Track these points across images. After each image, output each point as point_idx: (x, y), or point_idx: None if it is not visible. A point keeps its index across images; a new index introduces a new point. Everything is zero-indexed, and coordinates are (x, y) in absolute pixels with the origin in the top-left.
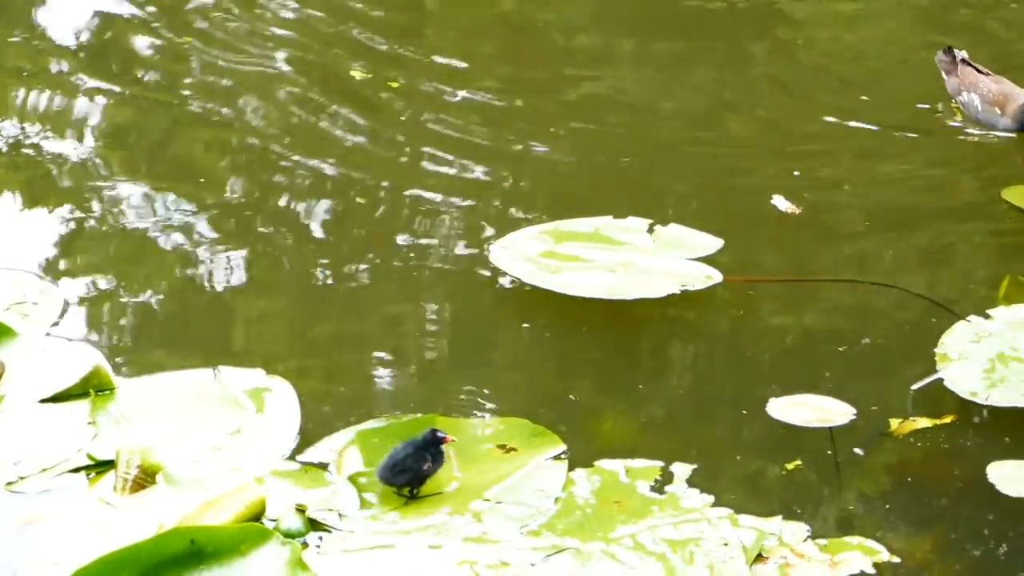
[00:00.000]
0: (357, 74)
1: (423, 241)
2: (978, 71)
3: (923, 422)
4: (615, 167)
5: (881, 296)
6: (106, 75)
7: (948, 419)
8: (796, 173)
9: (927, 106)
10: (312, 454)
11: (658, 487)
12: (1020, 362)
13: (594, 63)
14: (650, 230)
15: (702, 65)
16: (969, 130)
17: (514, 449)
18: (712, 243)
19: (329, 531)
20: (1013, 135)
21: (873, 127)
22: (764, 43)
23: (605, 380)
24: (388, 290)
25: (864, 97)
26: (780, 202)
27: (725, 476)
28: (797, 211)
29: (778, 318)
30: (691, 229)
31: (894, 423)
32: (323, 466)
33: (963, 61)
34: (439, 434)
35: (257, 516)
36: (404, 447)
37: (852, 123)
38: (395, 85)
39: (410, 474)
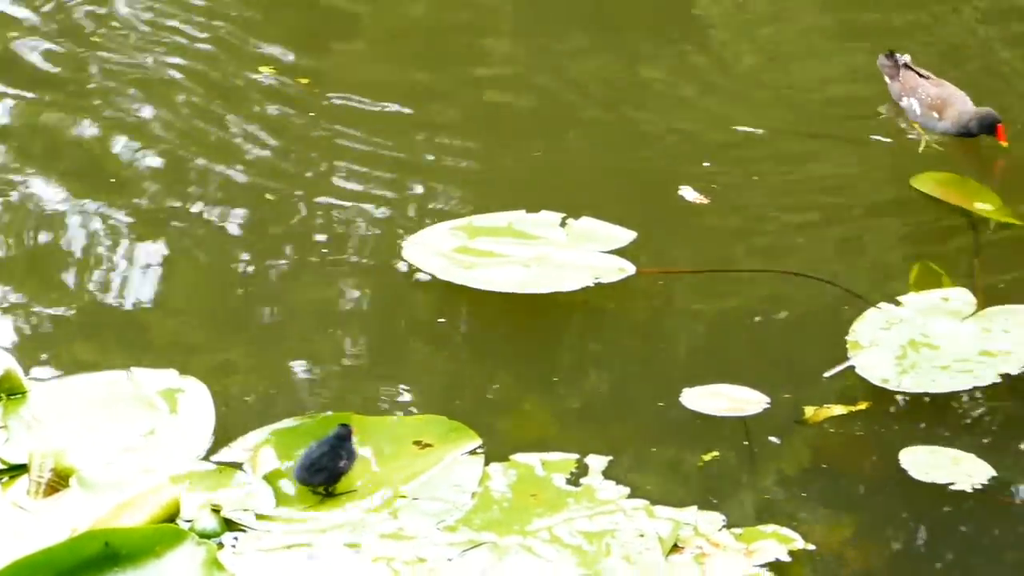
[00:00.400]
0: (265, 79)
1: (336, 240)
2: (919, 75)
3: (838, 409)
4: (527, 162)
5: (793, 285)
6: (7, 80)
7: (863, 406)
8: (706, 164)
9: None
10: (227, 454)
11: (574, 479)
12: (931, 348)
13: (504, 62)
14: (563, 224)
15: (614, 62)
16: (911, 136)
17: (430, 445)
18: (625, 235)
19: (245, 531)
20: (947, 138)
21: (786, 122)
22: (681, 41)
23: (521, 374)
24: (303, 289)
25: (780, 93)
26: (688, 193)
27: (640, 467)
28: (705, 201)
29: (692, 309)
30: (604, 222)
31: (809, 411)
32: (238, 466)
33: (905, 65)
34: (347, 428)
35: (172, 517)
36: (319, 446)
37: (766, 119)
38: (305, 81)
39: (326, 473)
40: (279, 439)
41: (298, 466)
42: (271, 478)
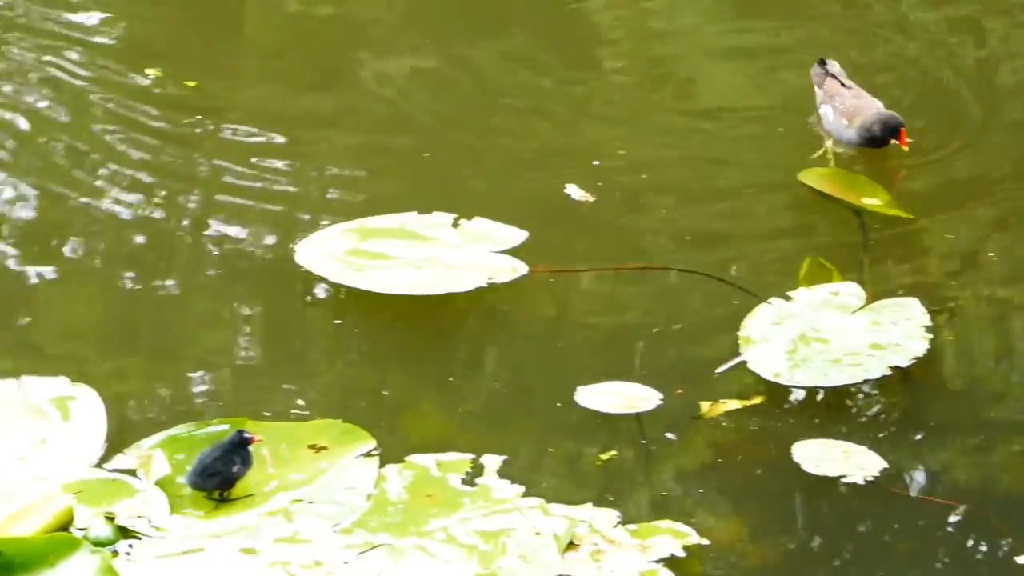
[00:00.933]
0: (150, 80)
1: (229, 245)
2: (842, 84)
3: (733, 404)
4: (416, 164)
5: (685, 282)
6: None
7: (757, 400)
8: (596, 163)
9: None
10: (120, 461)
11: (469, 479)
12: (821, 342)
13: (393, 58)
14: (455, 225)
15: (502, 64)
16: (827, 144)
17: (325, 448)
18: (516, 235)
19: (139, 538)
20: (855, 150)
21: (677, 121)
22: (568, 42)
23: (416, 376)
24: (195, 297)
25: (668, 94)
26: (574, 191)
27: (536, 466)
28: (591, 199)
29: (585, 308)
30: (495, 222)
31: (704, 406)
32: (131, 472)
33: (830, 74)
34: (246, 435)
35: (65, 526)
36: (212, 451)
37: (653, 118)
38: (191, 84)
39: (219, 477)
40: (172, 446)
41: (191, 471)
42: (165, 485)
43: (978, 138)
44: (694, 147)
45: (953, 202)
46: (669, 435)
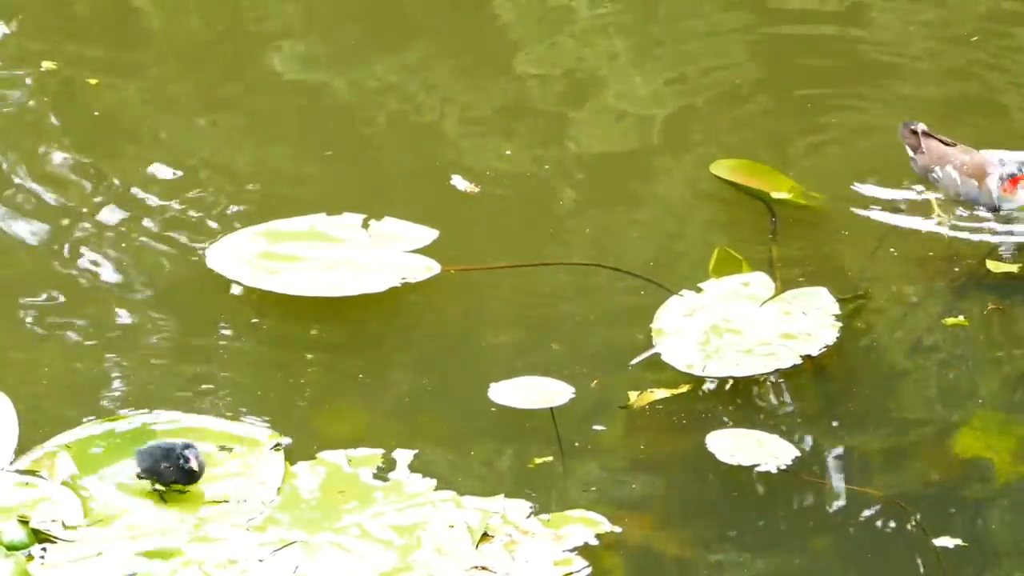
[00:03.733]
0: (49, 72)
1: (137, 250)
2: (943, 142)
3: (661, 392)
4: (319, 164)
5: (596, 276)
6: None
7: (684, 388)
8: (508, 152)
9: None
10: (31, 463)
11: (381, 474)
12: (733, 332)
13: (301, 64)
14: (365, 225)
15: (398, 62)
16: (960, 211)
17: (231, 449)
18: (427, 234)
19: (53, 541)
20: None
21: (583, 110)
22: (473, 39)
23: (330, 374)
24: (106, 300)
25: (569, 88)
26: (459, 182)
27: (449, 460)
28: (476, 190)
29: (498, 304)
30: (405, 222)
31: (632, 395)
32: (39, 475)
33: (925, 134)
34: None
35: None
36: (179, 445)
37: (558, 109)
38: (94, 82)
39: (182, 472)
40: (81, 446)
41: (156, 456)
42: (75, 487)
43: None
44: (600, 136)
45: (856, 193)
46: (580, 428)
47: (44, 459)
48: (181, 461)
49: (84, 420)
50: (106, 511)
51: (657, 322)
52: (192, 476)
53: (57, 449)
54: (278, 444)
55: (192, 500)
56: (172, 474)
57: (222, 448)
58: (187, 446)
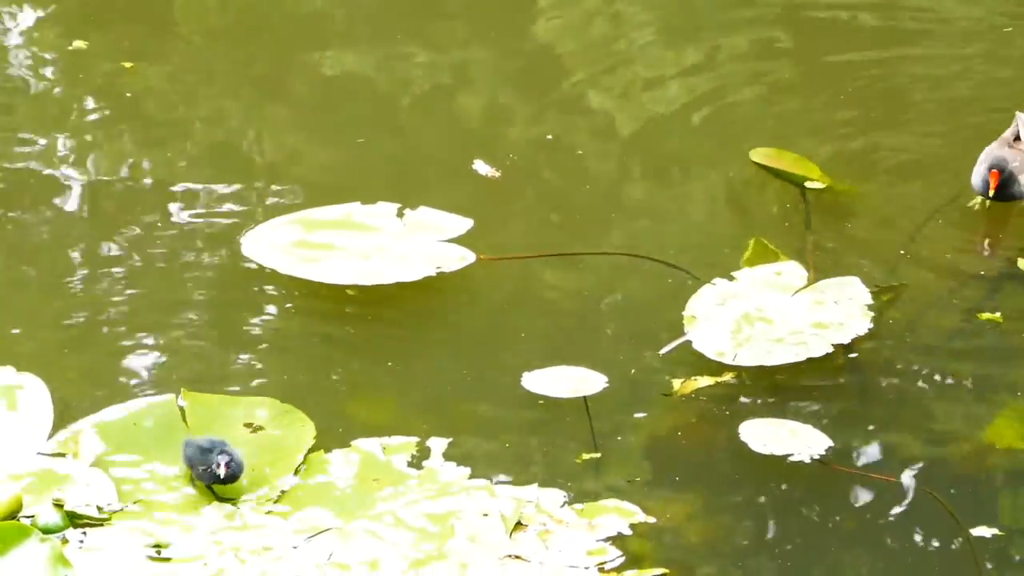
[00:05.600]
0: (82, 55)
1: (174, 237)
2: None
3: (704, 380)
4: (353, 152)
5: (630, 265)
6: None
7: (728, 376)
8: (544, 139)
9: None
10: (65, 447)
11: (415, 463)
12: (765, 322)
13: (335, 51)
14: (399, 214)
15: (434, 52)
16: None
17: (261, 428)
18: (462, 224)
19: (91, 525)
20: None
21: (614, 103)
22: (507, 31)
23: (364, 362)
24: (142, 286)
25: (602, 77)
26: (480, 167)
27: (483, 449)
28: (497, 174)
29: (532, 293)
30: (440, 211)
31: (676, 383)
32: (62, 456)
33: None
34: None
35: (13, 514)
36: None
37: (590, 102)
38: (129, 65)
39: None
40: (111, 427)
41: (200, 454)
42: (106, 469)
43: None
44: (636, 126)
45: (897, 180)
46: (613, 417)
47: (70, 441)
48: (213, 466)
49: (116, 403)
50: (140, 494)
51: (689, 310)
52: (223, 481)
53: (81, 430)
54: (310, 432)
55: (231, 489)
56: (205, 476)
57: (247, 426)
58: (222, 451)
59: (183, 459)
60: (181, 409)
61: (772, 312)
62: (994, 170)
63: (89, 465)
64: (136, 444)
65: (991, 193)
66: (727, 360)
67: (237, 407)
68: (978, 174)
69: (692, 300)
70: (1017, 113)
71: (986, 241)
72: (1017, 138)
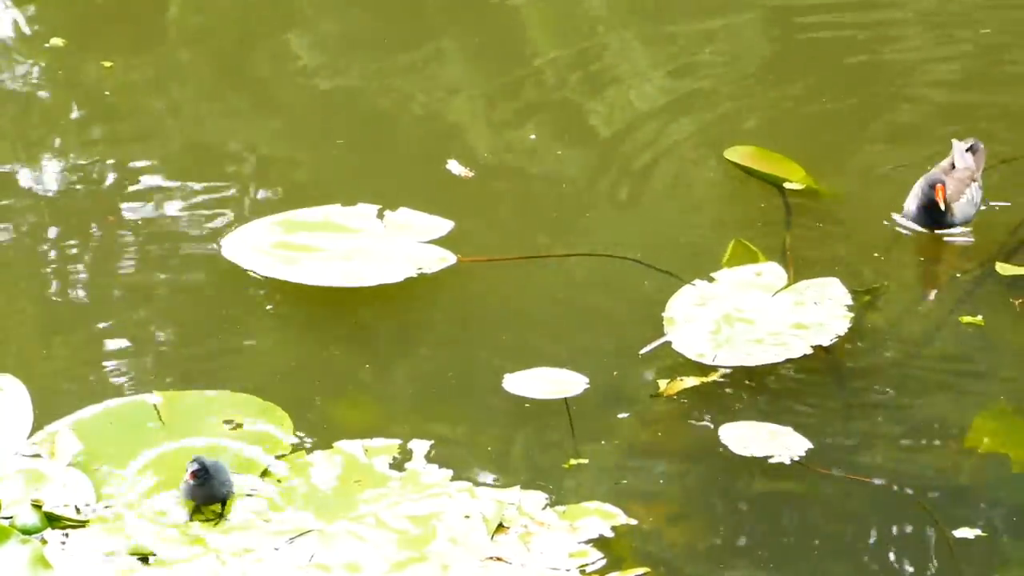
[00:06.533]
0: (61, 53)
1: (153, 238)
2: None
3: (691, 380)
4: (331, 154)
5: (610, 267)
6: None
7: (715, 376)
8: (532, 136)
9: None
10: (42, 448)
11: (397, 465)
12: (745, 322)
13: (314, 53)
14: (380, 215)
15: (411, 54)
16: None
17: (240, 425)
18: (443, 225)
19: (69, 526)
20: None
21: (591, 105)
22: (483, 29)
23: (346, 364)
24: (122, 288)
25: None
26: (454, 167)
27: (464, 451)
28: (470, 174)
29: (512, 294)
30: (420, 212)
31: (662, 384)
32: (38, 456)
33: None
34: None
35: None
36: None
37: (572, 104)
38: (108, 64)
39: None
40: (88, 427)
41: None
42: (87, 468)
43: None
44: (618, 124)
45: (872, 183)
46: (594, 418)
47: (46, 441)
48: (187, 476)
49: (93, 403)
50: (118, 495)
51: (669, 311)
52: (203, 496)
53: (57, 431)
54: (289, 432)
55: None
56: (187, 492)
57: (227, 423)
58: (194, 459)
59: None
60: (155, 407)
61: (752, 313)
62: (939, 184)
63: (67, 465)
64: (113, 443)
65: (942, 207)
66: (707, 361)
67: (213, 404)
68: (912, 201)
69: (672, 301)
70: (953, 141)
71: (933, 292)
72: (953, 166)
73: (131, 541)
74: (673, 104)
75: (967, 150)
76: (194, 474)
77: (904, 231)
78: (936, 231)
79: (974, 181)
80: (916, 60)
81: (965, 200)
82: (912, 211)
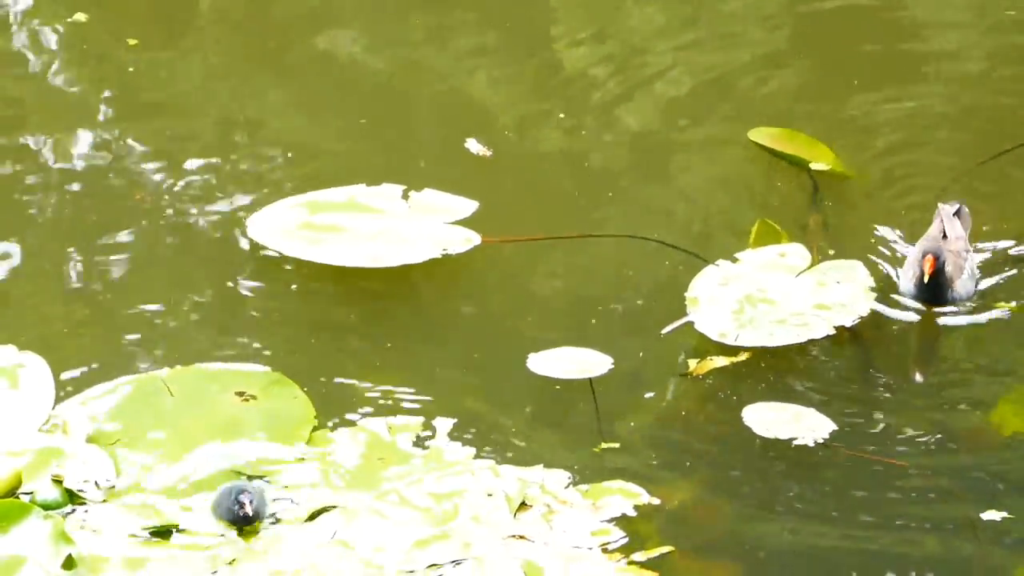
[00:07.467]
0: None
1: (178, 217)
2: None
3: (721, 360)
4: (355, 134)
5: (635, 247)
6: None
7: (743, 356)
8: (561, 115)
9: None
10: (61, 425)
11: (420, 442)
12: (768, 303)
13: (332, 25)
14: (404, 196)
15: (439, 38)
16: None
17: (253, 397)
18: (467, 206)
19: (91, 501)
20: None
21: (616, 81)
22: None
23: (371, 344)
24: (146, 266)
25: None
26: (473, 145)
27: (487, 430)
28: (488, 153)
29: (536, 275)
30: (445, 193)
31: (692, 363)
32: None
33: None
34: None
35: (13, 490)
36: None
37: (593, 81)
38: (133, 42)
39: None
40: (102, 405)
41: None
42: (102, 445)
43: None
44: (642, 107)
45: (900, 162)
46: (618, 398)
47: (63, 417)
48: (236, 507)
49: (116, 379)
50: (137, 470)
51: (692, 291)
52: (248, 520)
53: (74, 407)
54: (302, 400)
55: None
56: (228, 515)
57: (239, 394)
58: (243, 490)
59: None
60: (164, 381)
61: (775, 293)
62: (929, 255)
63: (86, 441)
64: (129, 419)
65: (926, 279)
66: (729, 341)
67: (223, 378)
68: (906, 276)
69: (695, 281)
70: (940, 205)
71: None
72: (945, 235)
73: (152, 515)
74: (700, 84)
75: (954, 214)
76: (243, 505)
77: (899, 313)
78: (935, 308)
79: (968, 251)
80: (957, 47)
81: (967, 275)
82: (910, 288)
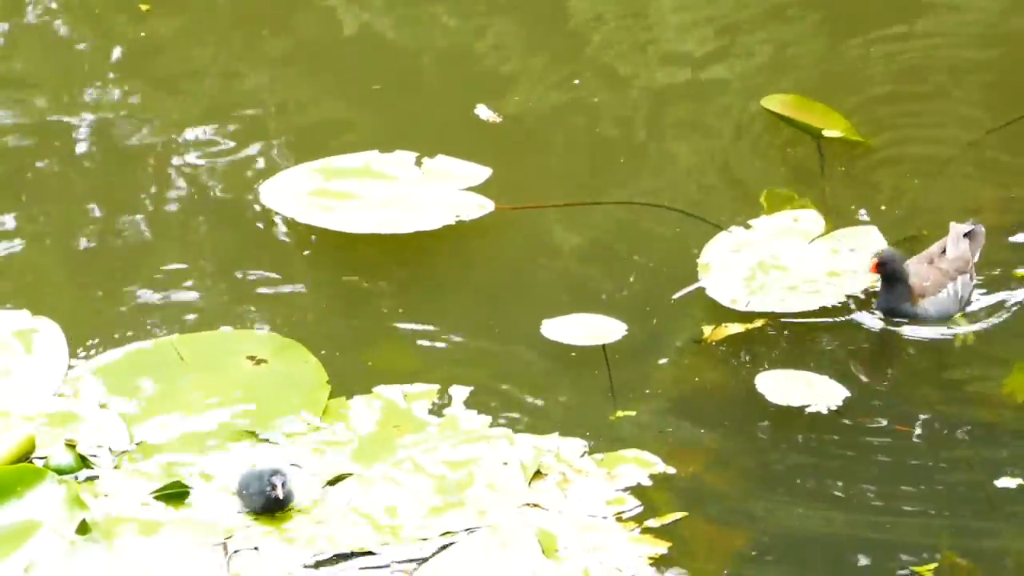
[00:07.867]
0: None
1: (191, 183)
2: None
3: (735, 327)
4: (368, 101)
5: (648, 214)
6: None
7: (759, 323)
8: (576, 82)
9: None
10: (73, 390)
11: (436, 410)
12: (780, 269)
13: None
14: (418, 163)
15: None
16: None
17: (264, 360)
18: (480, 172)
19: (104, 466)
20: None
21: (633, 58)
22: None
23: (385, 311)
24: (159, 233)
25: (622, 36)
26: (482, 111)
27: (503, 397)
28: (498, 119)
29: (550, 241)
30: (458, 160)
31: (707, 330)
32: (75, 398)
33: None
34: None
35: (27, 454)
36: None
37: (611, 59)
38: (145, 8)
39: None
40: (118, 368)
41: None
42: (114, 409)
43: None
44: (655, 76)
45: (914, 135)
46: (632, 365)
47: (75, 382)
48: (268, 489)
49: (128, 344)
50: (150, 433)
51: (704, 258)
52: (279, 505)
53: (83, 373)
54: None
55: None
56: (259, 498)
57: (250, 358)
58: (275, 472)
59: (239, 489)
60: (175, 346)
61: (787, 260)
62: (876, 259)
63: (99, 406)
64: (141, 384)
65: (874, 278)
66: (739, 307)
67: (234, 342)
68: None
69: (707, 247)
70: (952, 224)
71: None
72: (943, 252)
73: (165, 479)
74: (713, 52)
75: (965, 234)
76: (275, 487)
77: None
78: (895, 321)
79: (964, 273)
80: (979, 20)
81: (945, 295)
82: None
